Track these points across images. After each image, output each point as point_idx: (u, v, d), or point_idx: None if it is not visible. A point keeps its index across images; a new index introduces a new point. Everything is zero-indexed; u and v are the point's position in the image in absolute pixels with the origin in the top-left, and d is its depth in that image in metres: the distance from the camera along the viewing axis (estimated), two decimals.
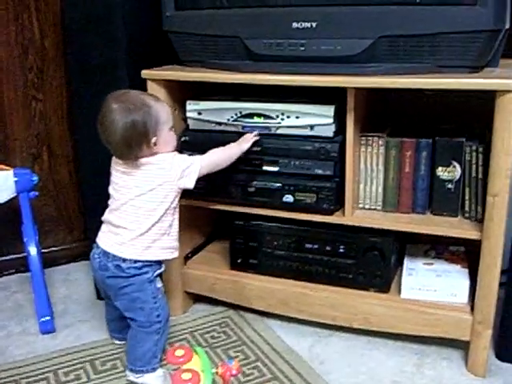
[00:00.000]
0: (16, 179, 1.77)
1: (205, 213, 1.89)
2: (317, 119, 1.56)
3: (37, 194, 1.84)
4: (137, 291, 1.47)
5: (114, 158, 1.49)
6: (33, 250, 1.79)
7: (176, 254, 1.56)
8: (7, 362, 1.63)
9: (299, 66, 1.51)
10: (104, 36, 1.68)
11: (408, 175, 1.57)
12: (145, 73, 1.65)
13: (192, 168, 1.49)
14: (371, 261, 1.62)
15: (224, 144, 1.62)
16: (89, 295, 1.96)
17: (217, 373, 1.32)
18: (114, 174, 1.50)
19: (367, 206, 1.64)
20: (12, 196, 1.79)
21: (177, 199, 1.50)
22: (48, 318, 1.75)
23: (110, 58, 1.68)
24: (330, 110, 1.54)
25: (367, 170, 1.61)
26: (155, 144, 1.44)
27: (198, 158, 1.52)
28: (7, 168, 1.79)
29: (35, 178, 1.82)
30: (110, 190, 1.51)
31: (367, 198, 1.64)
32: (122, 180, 1.48)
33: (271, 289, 1.72)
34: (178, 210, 1.53)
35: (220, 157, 1.56)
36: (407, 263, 1.69)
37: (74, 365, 1.60)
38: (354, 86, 1.46)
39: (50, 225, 2.17)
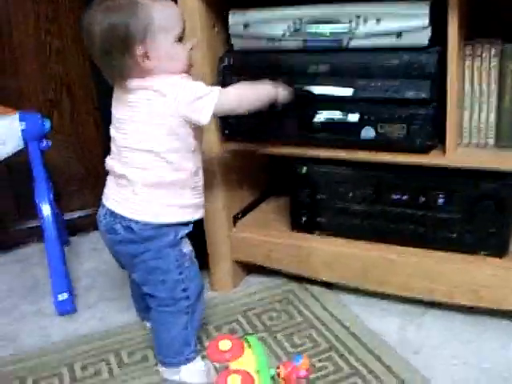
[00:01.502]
0: (23, 125, 1.43)
1: (257, 160, 1.52)
2: (405, 22, 1.14)
3: (49, 143, 1.49)
4: (155, 258, 1.11)
5: None
6: (46, 210, 1.45)
7: (200, 214, 1.19)
8: (15, 352, 1.30)
9: None
10: None
11: None
12: None
13: (206, 100, 1.08)
14: (483, 214, 1.19)
15: (279, 69, 1.24)
16: (119, 268, 1.61)
17: (278, 374, 0.94)
18: (113, 105, 1.14)
19: (474, 141, 1.22)
20: (19, 147, 1.45)
21: (191, 138, 1.11)
22: (66, 295, 1.42)
23: None
24: (423, 8, 1.12)
25: (474, 91, 1.19)
26: (146, 57, 1.05)
27: (216, 88, 1.11)
28: (10, 111, 1.45)
29: (47, 123, 1.47)
30: (111, 128, 1.14)
31: (474, 131, 1.21)
32: (120, 113, 1.11)
33: (345, 255, 1.32)
34: (198, 153, 1.15)
35: (247, 93, 1.16)
36: None
37: (94, 355, 1.27)
38: None
39: (75, 185, 1.82)
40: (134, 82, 1.07)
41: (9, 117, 1.43)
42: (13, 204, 1.77)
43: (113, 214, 1.11)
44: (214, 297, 1.44)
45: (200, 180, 1.17)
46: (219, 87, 1.13)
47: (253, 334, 1.27)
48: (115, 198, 1.12)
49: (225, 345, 0.97)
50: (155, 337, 1.17)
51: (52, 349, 1.30)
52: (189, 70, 1.14)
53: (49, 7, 1.68)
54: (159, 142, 1.07)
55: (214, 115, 1.11)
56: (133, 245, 1.11)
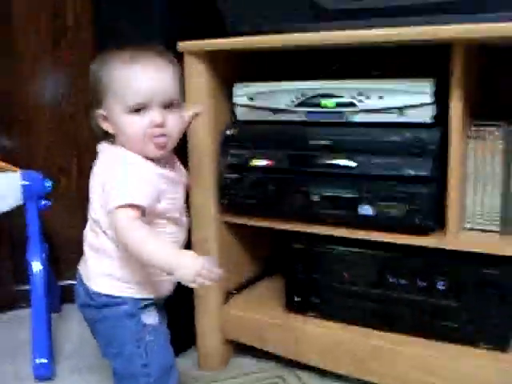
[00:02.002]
0: (24, 182, 1.43)
1: (257, 236, 1.47)
2: (408, 98, 1.12)
3: (49, 203, 1.48)
4: (111, 327, 1.03)
5: None
6: (36, 267, 1.42)
7: (158, 294, 1.07)
8: None
9: (382, 20, 1.09)
10: (136, 11, 1.34)
11: None
12: (182, 45, 1.27)
13: (112, 215, 0.96)
14: (484, 302, 1.12)
15: (281, 142, 1.23)
16: None
17: None
18: None
19: (478, 227, 1.16)
20: (19, 203, 1.44)
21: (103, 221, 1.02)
22: (44, 360, 1.35)
23: (143, 33, 1.33)
24: (426, 85, 1.11)
25: (478, 172, 1.15)
26: (105, 120, 1.03)
27: (131, 217, 0.95)
28: (13, 169, 1.45)
29: (48, 183, 1.47)
30: None
31: (477, 215, 1.16)
32: None
33: (339, 340, 1.24)
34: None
35: (142, 246, 0.95)
36: None
37: None
38: (465, 36, 1.00)
39: (74, 251, 1.72)
40: (99, 146, 1.07)
41: (11, 173, 1.43)
42: (11, 266, 1.75)
43: (79, 276, 1.07)
44: (199, 375, 1.36)
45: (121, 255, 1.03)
46: (131, 220, 0.95)
47: None
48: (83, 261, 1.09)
49: None
50: None
51: None
52: (153, 146, 1.01)
53: (66, 72, 1.73)
54: (97, 210, 1.03)
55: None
56: (90, 310, 1.05)
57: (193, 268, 0.92)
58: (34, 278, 1.40)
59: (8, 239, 1.75)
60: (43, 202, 1.47)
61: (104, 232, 1.01)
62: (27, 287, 1.66)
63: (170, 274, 0.95)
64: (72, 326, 1.62)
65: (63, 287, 1.74)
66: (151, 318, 1.05)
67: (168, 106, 1.02)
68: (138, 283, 1.03)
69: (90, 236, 1.06)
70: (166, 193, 1.02)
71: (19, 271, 1.73)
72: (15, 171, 1.44)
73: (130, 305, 1.02)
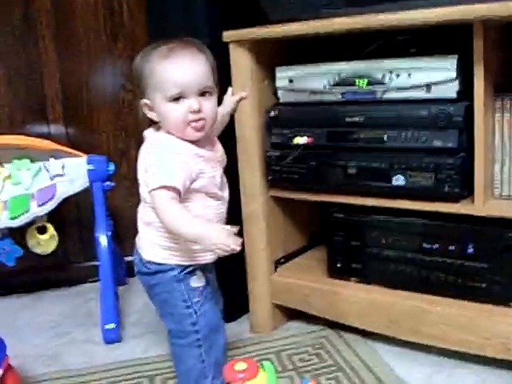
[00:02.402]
0: (90, 167, 1.58)
1: (301, 210, 1.58)
2: (434, 75, 1.21)
3: (113, 184, 1.63)
4: (164, 292, 1.17)
5: None
6: (103, 241, 1.58)
7: (206, 259, 1.18)
8: (57, 369, 1.40)
9: (406, 4, 1.17)
10: (184, 4, 1.46)
11: None
12: (227, 34, 1.39)
13: (151, 195, 1.10)
14: (510, 264, 1.20)
15: (319, 121, 1.34)
16: None
17: None
18: None
19: (505, 193, 1.24)
20: (85, 186, 1.59)
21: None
22: (113, 325, 1.51)
23: (189, 24, 1.46)
24: (451, 62, 1.19)
25: (504, 144, 1.22)
26: (149, 108, 1.16)
27: (167, 197, 1.07)
28: (80, 154, 1.61)
29: (111, 166, 1.62)
30: None
31: (505, 183, 1.23)
32: None
33: (379, 302, 1.34)
34: (193, 205, 1.16)
35: (177, 223, 1.08)
36: None
37: (129, 380, 1.34)
38: (481, 16, 1.08)
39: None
40: (145, 132, 1.20)
41: (78, 158, 1.59)
42: (79, 243, 1.93)
43: (136, 247, 1.22)
44: (253, 337, 1.49)
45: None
46: (167, 195, 1.07)
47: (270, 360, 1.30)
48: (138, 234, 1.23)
49: (240, 366, 1.02)
50: (175, 369, 1.22)
51: (92, 370, 1.38)
52: (191, 130, 1.13)
53: (124, 65, 1.88)
54: (144, 189, 1.16)
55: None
56: (145, 276, 1.19)
57: (214, 240, 1.05)
58: (102, 251, 1.56)
59: (76, 220, 1.92)
60: (107, 184, 1.62)
61: (151, 207, 1.14)
62: (95, 263, 1.85)
63: (198, 244, 1.09)
64: (137, 298, 1.77)
65: (128, 262, 1.89)
66: (198, 281, 1.18)
67: (203, 93, 1.13)
68: (182, 252, 1.16)
69: (140, 211, 1.21)
70: (204, 171, 1.14)
71: (87, 249, 1.90)
72: (82, 156, 1.60)
73: (177, 270, 1.16)
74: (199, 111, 1.12)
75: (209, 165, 1.16)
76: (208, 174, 1.15)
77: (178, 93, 1.11)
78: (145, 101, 1.16)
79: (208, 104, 1.14)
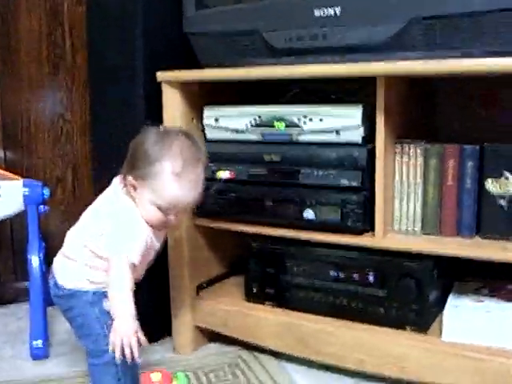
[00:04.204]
0: (26, 190, 1.66)
1: (225, 238, 1.69)
2: (343, 121, 1.36)
3: (47, 208, 1.71)
4: (80, 315, 1.25)
5: None
6: (34, 262, 1.64)
7: (91, 288, 1.25)
8: None
9: (322, 58, 1.33)
10: (121, 42, 1.58)
11: (451, 189, 1.32)
12: (160, 75, 1.51)
13: (113, 257, 1.17)
14: (406, 291, 1.34)
15: (241, 157, 1.47)
16: None
17: None
18: None
19: (403, 228, 1.39)
20: (20, 209, 1.67)
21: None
22: (40, 341, 1.58)
23: (127, 63, 1.57)
24: (357, 110, 1.34)
25: (403, 183, 1.38)
26: (133, 187, 1.22)
27: (125, 259, 1.15)
28: (16, 178, 1.68)
29: (47, 191, 1.70)
30: None
31: (403, 218, 1.39)
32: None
33: (289, 325, 1.46)
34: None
35: (113, 282, 1.16)
36: (451, 300, 1.39)
37: None
38: (383, 72, 1.25)
39: None
40: (115, 181, 1.28)
41: (14, 181, 1.66)
42: (11, 264, 1.98)
43: (52, 271, 1.30)
44: (172, 356, 1.58)
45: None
46: (127, 268, 1.15)
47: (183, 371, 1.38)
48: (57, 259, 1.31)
49: (156, 376, 1.12)
50: None
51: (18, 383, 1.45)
52: (160, 226, 1.24)
53: (64, 95, 1.97)
54: (89, 231, 1.25)
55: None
56: (61, 300, 1.27)
57: (123, 332, 1.10)
58: (33, 271, 1.62)
59: (10, 242, 1.98)
60: (42, 208, 1.69)
61: (93, 253, 1.22)
62: (26, 284, 1.90)
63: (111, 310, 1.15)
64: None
65: None
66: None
67: None
68: (101, 283, 1.23)
69: (74, 247, 1.26)
70: (152, 243, 1.25)
71: (19, 270, 1.97)
72: (18, 180, 1.67)
73: (90, 294, 1.23)
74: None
75: (157, 240, 1.28)
76: (154, 244, 1.27)
77: (167, 208, 1.21)
78: (132, 181, 1.21)
79: (184, 214, 1.30)
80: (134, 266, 1.17)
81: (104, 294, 1.22)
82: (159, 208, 1.20)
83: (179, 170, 1.18)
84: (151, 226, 1.23)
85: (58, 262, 1.30)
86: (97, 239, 1.22)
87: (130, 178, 1.22)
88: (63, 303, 1.28)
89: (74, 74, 1.97)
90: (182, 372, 1.15)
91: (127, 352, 1.08)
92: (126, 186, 1.24)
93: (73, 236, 1.29)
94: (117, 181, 1.29)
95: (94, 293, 1.24)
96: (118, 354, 1.08)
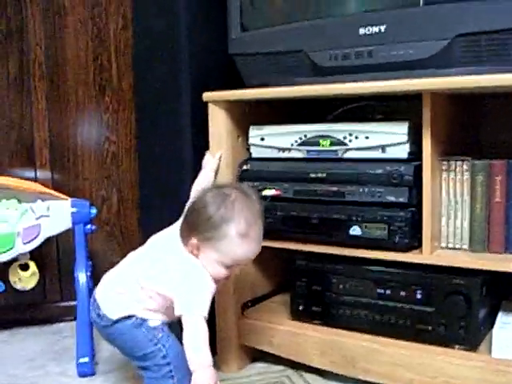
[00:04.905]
0: (73, 209, 1.70)
1: (270, 256, 1.69)
2: (389, 138, 1.37)
3: (94, 227, 1.74)
4: (128, 340, 1.29)
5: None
6: (82, 278, 1.67)
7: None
8: None
9: (367, 75, 1.34)
10: (167, 64, 1.62)
11: (499, 206, 1.31)
12: (207, 95, 1.55)
13: (190, 316, 1.21)
14: (454, 307, 1.32)
15: (287, 175, 1.49)
16: None
17: None
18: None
19: (450, 245, 1.38)
20: (68, 227, 1.70)
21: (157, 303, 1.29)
22: (87, 359, 1.59)
23: (173, 85, 1.61)
24: (403, 127, 1.35)
25: (450, 200, 1.37)
26: (196, 249, 1.26)
27: (201, 320, 1.21)
28: (65, 197, 1.72)
29: (94, 210, 1.73)
30: None
31: (451, 235, 1.38)
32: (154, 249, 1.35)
33: (335, 343, 1.45)
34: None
35: (190, 339, 1.20)
36: (501, 317, 1.37)
37: None
38: (429, 88, 1.25)
39: None
40: (183, 254, 1.28)
41: (63, 201, 1.71)
42: (58, 283, 2.02)
43: (96, 304, 1.33)
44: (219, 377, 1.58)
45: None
46: (203, 324, 1.20)
47: None
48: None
49: None
50: None
51: None
52: (222, 281, 1.30)
53: (110, 117, 2.02)
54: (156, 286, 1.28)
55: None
56: (106, 330, 1.31)
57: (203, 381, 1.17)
58: (80, 288, 1.65)
59: (56, 260, 2.02)
60: (89, 227, 1.73)
61: (148, 294, 1.27)
62: (72, 303, 1.94)
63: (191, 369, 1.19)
64: None
65: None
66: (155, 321, 1.29)
67: None
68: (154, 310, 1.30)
69: (129, 285, 1.29)
70: None
71: (65, 289, 2.00)
72: (66, 199, 1.71)
73: (134, 318, 1.28)
74: None
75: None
76: None
77: (233, 265, 1.27)
78: (197, 243, 1.25)
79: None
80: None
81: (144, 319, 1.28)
82: (224, 265, 1.26)
83: (244, 232, 1.24)
84: (214, 280, 1.28)
85: (104, 295, 1.33)
86: (165, 292, 1.26)
87: (194, 239, 1.26)
88: (109, 333, 1.31)
89: (119, 97, 2.01)
90: None
91: None
92: (186, 244, 1.28)
93: (129, 277, 1.31)
94: (175, 233, 1.31)
95: (137, 317, 1.28)
96: None
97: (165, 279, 1.26)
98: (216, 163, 1.54)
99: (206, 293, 1.24)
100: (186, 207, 1.32)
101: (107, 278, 1.36)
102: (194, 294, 1.23)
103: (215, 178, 1.54)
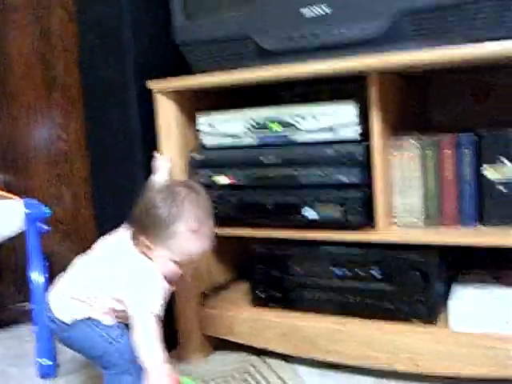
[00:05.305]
0: (27, 210, 1.65)
1: (228, 245, 1.68)
2: (338, 119, 1.36)
3: (48, 228, 1.70)
4: (84, 341, 1.27)
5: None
6: (36, 278, 1.62)
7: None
8: None
9: (312, 56, 1.34)
10: (113, 55, 1.58)
11: (450, 180, 1.33)
12: (151, 84, 1.52)
13: (140, 315, 1.20)
14: (411, 283, 1.34)
15: (239, 162, 1.49)
16: None
17: None
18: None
19: (406, 221, 1.39)
20: (22, 229, 1.66)
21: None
22: (48, 361, 1.56)
23: (119, 77, 1.58)
24: (351, 108, 1.35)
25: (402, 177, 1.38)
26: (147, 247, 1.25)
27: (151, 320, 1.19)
28: (17, 198, 1.68)
29: (48, 210, 1.69)
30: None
31: (406, 212, 1.39)
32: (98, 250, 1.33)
33: (297, 326, 1.45)
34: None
35: (139, 339, 1.19)
36: (456, 289, 1.39)
37: None
38: (375, 68, 1.26)
39: None
40: (122, 232, 1.31)
41: (16, 202, 1.66)
42: (14, 286, 1.97)
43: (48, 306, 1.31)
44: (182, 369, 1.56)
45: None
46: (153, 322, 1.19)
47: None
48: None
49: None
50: None
51: None
52: (174, 279, 1.29)
53: (60, 115, 1.98)
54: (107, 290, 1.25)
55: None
56: (62, 334, 1.29)
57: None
58: (36, 288, 1.61)
59: (13, 263, 1.97)
60: (43, 227, 1.69)
61: (99, 298, 1.24)
62: (30, 306, 1.89)
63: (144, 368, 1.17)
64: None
65: None
66: (108, 320, 1.27)
67: None
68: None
69: (80, 289, 1.27)
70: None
71: (22, 292, 1.94)
72: (19, 200, 1.67)
73: (88, 319, 1.26)
74: None
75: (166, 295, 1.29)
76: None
77: (186, 262, 1.26)
78: (147, 242, 1.24)
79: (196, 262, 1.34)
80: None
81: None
82: (176, 263, 1.25)
83: (195, 228, 1.23)
84: (166, 279, 1.26)
85: (56, 300, 1.30)
86: (115, 294, 1.24)
87: (143, 238, 1.25)
88: (65, 337, 1.29)
89: (68, 94, 1.97)
90: (186, 377, 1.15)
91: None
92: (137, 244, 1.26)
93: (80, 282, 1.29)
94: (126, 234, 1.30)
95: (91, 319, 1.26)
96: None
97: (115, 281, 1.24)
98: (169, 167, 1.52)
99: (156, 293, 1.23)
100: (135, 206, 1.29)
101: (59, 283, 1.33)
102: (143, 294, 1.21)
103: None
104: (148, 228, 1.24)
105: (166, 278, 1.26)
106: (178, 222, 1.22)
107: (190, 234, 1.23)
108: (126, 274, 1.24)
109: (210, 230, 1.28)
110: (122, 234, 1.31)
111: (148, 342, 1.18)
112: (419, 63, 1.23)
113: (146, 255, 1.26)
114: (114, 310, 1.26)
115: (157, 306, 1.21)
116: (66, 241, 1.99)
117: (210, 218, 1.29)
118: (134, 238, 1.27)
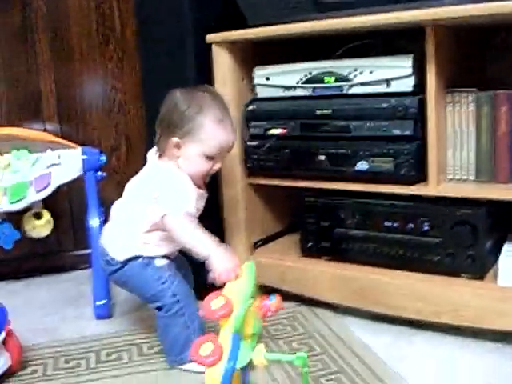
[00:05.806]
0: (84, 157, 1.72)
1: (280, 195, 1.72)
2: (393, 72, 1.37)
3: (104, 174, 1.76)
4: (138, 281, 1.34)
5: None
6: (94, 223, 1.69)
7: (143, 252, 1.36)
8: (53, 340, 1.53)
9: (370, 9, 1.33)
10: (170, 8, 1.60)
11: (504, 136, 1.32)
12: (209, 37, 1.55)
13: (174, 216, 1.26)
14: (461, 237, 1.35)
15: (293, 113, 1.50)
16: None
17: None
18: None
19: (457, 177, 1.39)
20: (79, 174, 1.72)
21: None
22: (104, 301, 1.64)
23: (176, 30, 1.60)
24: (407, 61, 1.35)
25: (456, 132, 1.38)
26: (177, 147, 1.31)
27: (182, 210, 1.26)
28: (74, 146, 1.74)
29: (103, 157, 1.75)
30: None
31: (457, 167, 1.39)
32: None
33: (345, 277, 1.49)
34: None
35: (186, 238, 1.25)
36: (507, 246, 1.40)
37: (119, 346, 1.47)
38: (431, 19, 1.25)
39: None
40: (150, 155, 1.38)
41: (74, 149, 1.73)
42: (71, 232, 2.06)
43: (102, 249, 1.39)
44: None
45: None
46: (190, 218, 1.26)
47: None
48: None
49: (217, 302, 1.06)
50: (161, 340, 1.37)
51: (84, 340, 1.51)
52: (202, 180, 1.36)
53: (115, 66, 2.03)
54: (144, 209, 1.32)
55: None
56: (115, 275, 1.37)
57: (220, 265, 1.18)
58: (93, 232, 1.68)
59: (69, 210, 2.05)
60: (99, 174, 1.75)
61: (139, 214, 1.31)
62: (86, 251, 1.97)
63: (204, 259, 1.20)
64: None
65: None
66: (161, 261, 1.34)
67: None
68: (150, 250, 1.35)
69: (123, 214, 1.37)
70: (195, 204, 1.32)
71: (78, 238, 2.04)
72: (76, 148, 1.73)
73: (141, 258, 1.33)
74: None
75: (200, 200, 1.36)
76: (197, 206, 1.34)
77: (215, 154, 1.32)
78: (176, 140, 1.30)
79: (222, 161, 1.39)
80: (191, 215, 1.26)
81: (152, 258, 1.33)
82: (207, 157, 1.31)
83: (220, 116, 1.31)
84: (195, 181, 1.33)
85: (107, 236, 1.38)
86: (149, 204, 1.29)
87: (173, 139, 1.30)
88: (119, 276, 1.36)
89: (123, 45, 2.01)
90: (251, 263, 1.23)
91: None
92: (163, 153, 1.33)
93: (121, 207, 1.38)
94: (151, 154, 1.38)
95: (143, 258, 1.32)
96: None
97: (151, 195, 1.29)
98: None
99: (188, 193, 1.29)
100: (160, 111, 1.35)
101: (109, 224, 1.41)
102: (177, 195, 1.27)
103: None
104: (176, 126, 1.30)
105: (194, 183, 1.32)
106: (202, 113, 1.29)
107: (215, 123, 1.30)
108: (158, 181, 1.30)
109: (231, 122, 1.35)
110: (150, 156, 1.39)
111: (194, 234, 1.23)
112: (473, 15, 1.21)
113: (174, 159, 1.31)
114: (162, 237, 1.32)
115: (191, 207, 1.28)
116: (119, 190, 2.04)
117: (230, 117, 1.35)
118: (161, 145, 1.33)
